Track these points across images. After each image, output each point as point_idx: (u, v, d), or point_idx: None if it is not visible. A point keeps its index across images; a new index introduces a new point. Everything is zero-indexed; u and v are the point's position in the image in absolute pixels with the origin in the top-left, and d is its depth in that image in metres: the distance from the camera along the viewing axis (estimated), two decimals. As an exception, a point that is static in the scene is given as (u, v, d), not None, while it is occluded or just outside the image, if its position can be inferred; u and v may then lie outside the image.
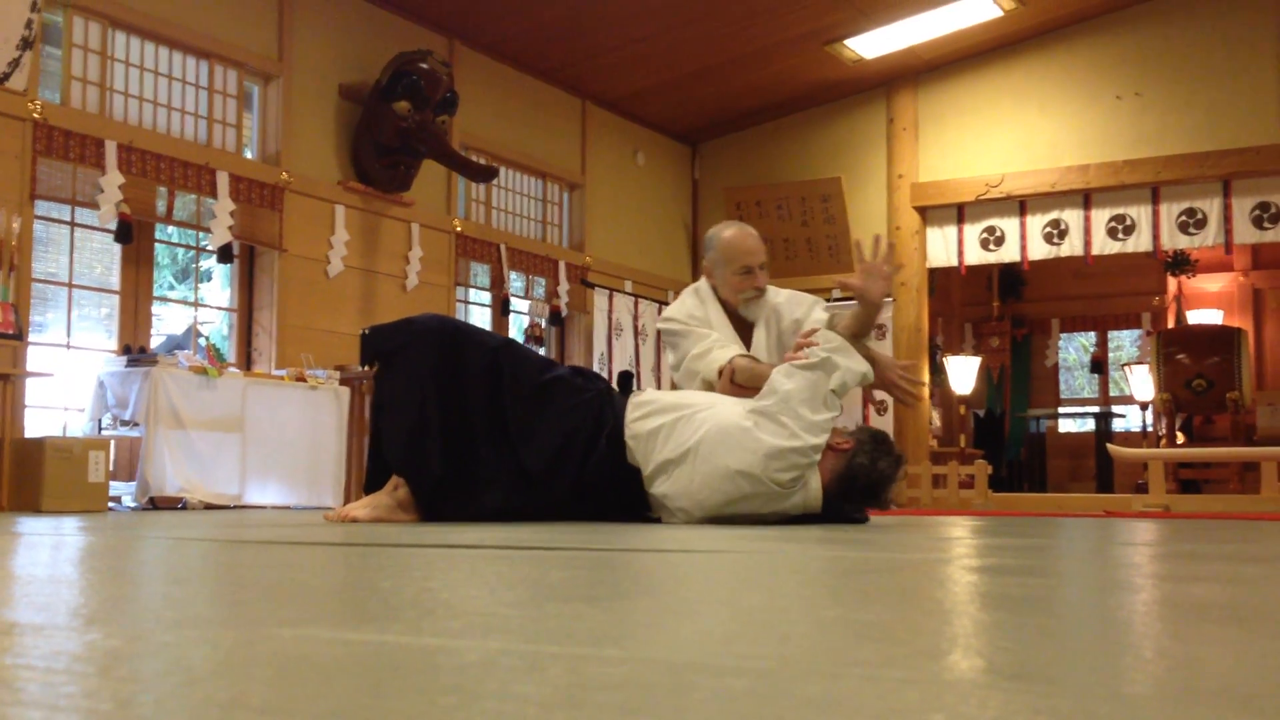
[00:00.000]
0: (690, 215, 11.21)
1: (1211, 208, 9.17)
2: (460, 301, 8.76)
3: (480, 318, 9.17)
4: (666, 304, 10.43)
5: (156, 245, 7.20)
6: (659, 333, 4.44)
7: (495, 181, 8.82)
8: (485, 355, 3.91)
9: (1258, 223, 9.07)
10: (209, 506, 6.02)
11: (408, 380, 3.84)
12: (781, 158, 10.73)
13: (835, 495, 3.67)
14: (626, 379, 4.20)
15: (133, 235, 6.41)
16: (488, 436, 3.86)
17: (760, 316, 4.27)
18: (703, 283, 4.37)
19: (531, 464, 3.83)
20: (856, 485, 3.65)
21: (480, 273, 8.89)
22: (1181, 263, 11.92)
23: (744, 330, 4.29)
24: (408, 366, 3.85)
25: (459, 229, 8.56)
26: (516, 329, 9.41)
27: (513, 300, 9.11)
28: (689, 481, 3.68)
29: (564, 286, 9.43)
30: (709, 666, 0.76)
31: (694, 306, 4.29)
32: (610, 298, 9.89)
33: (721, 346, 4.13)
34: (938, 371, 11.87)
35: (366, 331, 4.07)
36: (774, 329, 4.25)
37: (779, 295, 4.32)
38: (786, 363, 3.76)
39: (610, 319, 9.84)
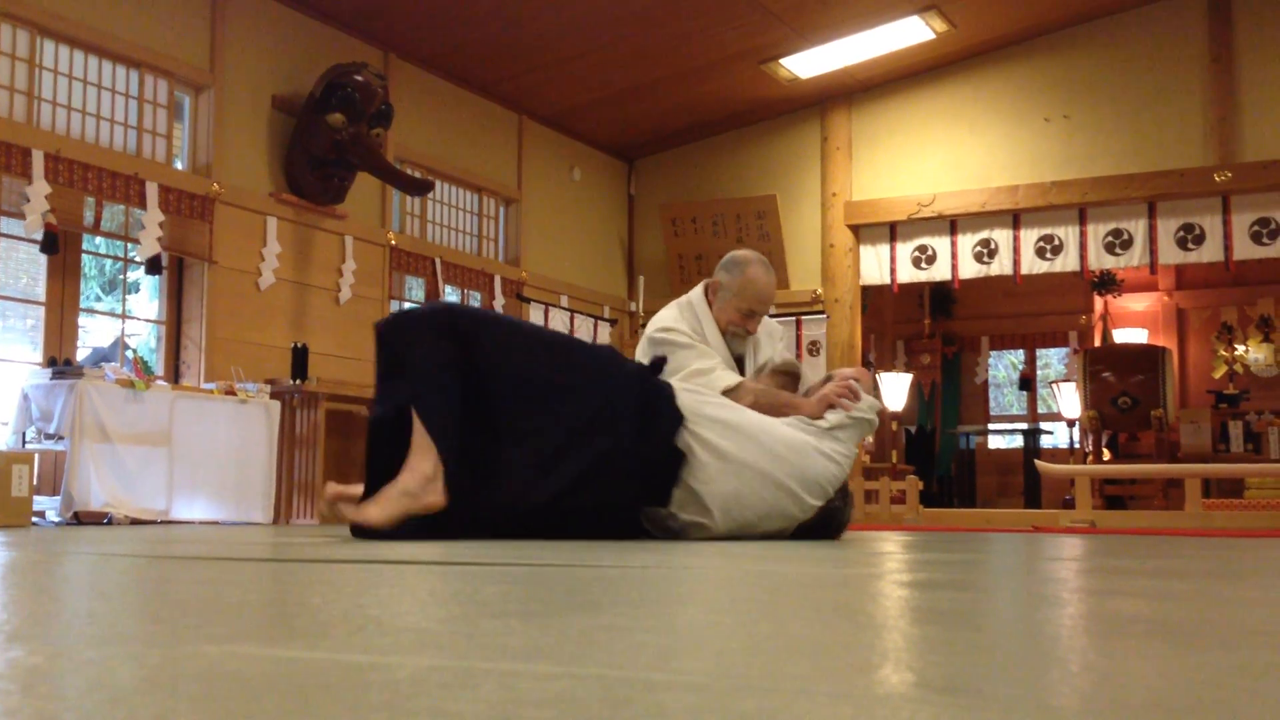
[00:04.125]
0: (626, 231, 11.24)
1: (1137, 229, 9.35)
2: (394, 315, 8.69)
3: (414, 332, 9.10)
4: (603, 319, 10.46)
5: (84, 256, 7.08)
6: (649, 340, 4.28)
7: (430, 195, 8.78)
8: (503, 335, 3.68)
9: (1182, 244, 9.26)
10: (135, 522, 5.92)
11: (421, 375, 3.53)
12: (717, 175, 10.79)
13: (806, 529, 3.79)
14: (659, 365, 3.97)
15: (59, 246, 6.30)
16: (528, 410, 3.56)
17: (745, 350, 4.32)
18: (698, 297, 4.28)
19: (575, 420, 3.56)
20: (833, 523, 3.85)
21: (415, 286, 8.84)
22: (1108, 282, 12.13)
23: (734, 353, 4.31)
24: (419, 364, 3.54)
25: (393, 242, 8.50)
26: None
27: (447, 314, 9.05)
28: (734, 479, 3.61)
29: (500, 301, 9.40)
30: (644, 682, 0.76)
31: (694, 321, 4.22)
32: (546, 312, 9.87)
33: (725, 369, 4.08)
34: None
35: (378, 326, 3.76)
36: (753, 361, 4.31)
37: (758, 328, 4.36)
38: (836, 411, 3.90)
39: (545, 334, 9.80)
